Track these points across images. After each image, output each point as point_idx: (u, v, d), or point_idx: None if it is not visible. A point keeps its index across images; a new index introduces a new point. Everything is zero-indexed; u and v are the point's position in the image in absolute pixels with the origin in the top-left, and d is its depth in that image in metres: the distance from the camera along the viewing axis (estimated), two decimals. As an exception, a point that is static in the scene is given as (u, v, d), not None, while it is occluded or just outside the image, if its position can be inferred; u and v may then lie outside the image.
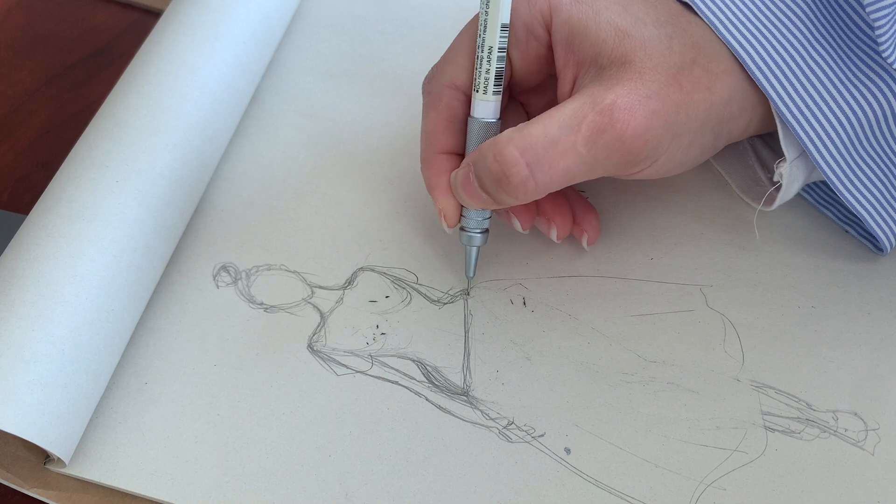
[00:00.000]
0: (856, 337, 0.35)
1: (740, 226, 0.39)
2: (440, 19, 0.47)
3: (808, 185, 0.38)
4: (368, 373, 0.34)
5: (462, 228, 0.35)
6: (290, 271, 0.37)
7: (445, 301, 0.36)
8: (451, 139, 0.34)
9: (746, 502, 0.31)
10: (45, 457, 0.32)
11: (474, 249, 0.36)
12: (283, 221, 0.39)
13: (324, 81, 0.44)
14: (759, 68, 0.31)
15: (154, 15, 0.49)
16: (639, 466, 0.32)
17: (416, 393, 0.34)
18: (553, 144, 0.29)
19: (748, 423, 0.33)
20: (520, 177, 0.30)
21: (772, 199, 0.35)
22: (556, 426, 0.33)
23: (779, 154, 0.34)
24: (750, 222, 0.38)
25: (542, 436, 0.33)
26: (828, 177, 0.33)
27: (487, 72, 0.33)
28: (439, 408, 0.34)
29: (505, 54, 0.33)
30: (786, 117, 0.31)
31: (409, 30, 0.46)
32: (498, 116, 0.34)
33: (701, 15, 0.32)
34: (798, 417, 0.33)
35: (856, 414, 0.33)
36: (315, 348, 0.35)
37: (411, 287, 0.37)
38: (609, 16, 0.31)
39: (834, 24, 0.32)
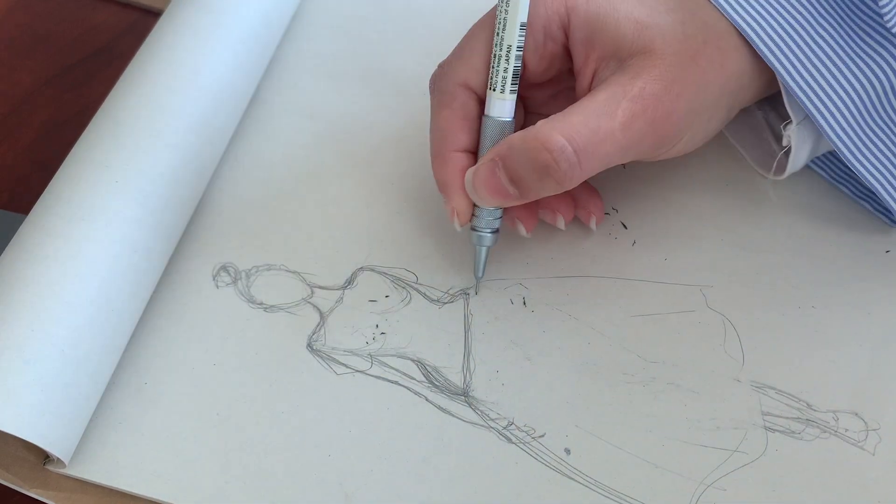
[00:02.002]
0: (856, 337, 0.35)
1: (741, 226, 0.39)
2: (440, 19, 0.47)
3: (822, 162, 0.39)
4: (368, 372, 0.34)
5: (473, 228, 0.35)
6: (290, 271, 0.37)
7: (445, 301, 0.36)
8: (466, 137, 0.34)
9: (747, 503, 0.31)
10: (44, 457, 0.32)
11: (484, 249, 0.35)
12: (283, 221, 0.39)
13: (324, 81, 0.44)
14: (767, 45, 0.32)
15: (154, 15, 0.49)
16: (639, 467, 0.32)
17: (416, 393, 0.34)
18: (594, 132, 0.31)
19: (748, 423, 0.33)
20: (568, 163, 0.31)
21: (782, 168, 0.36)
22: (556, 427, 0.33)
23: None
24: (751, 222, 0.38)
25: (542, 436, 0.33)
26: (838, 148, 0.34)
27: (505, 70, 0.33)
28: (439, 408, 0.34)
29: (522, 53, 0.33)
30: (794, 91, 0.33)
31: (409, 30, 0.46)
32: (513, 115, 0.34)
33: None
34: (798, 418, 0.33)
35: (856, 414, 0.33)
36: (315, 348, 0.35)
37: (411, 287, 0.37)
38: (626, 9, 0.32)
39: None
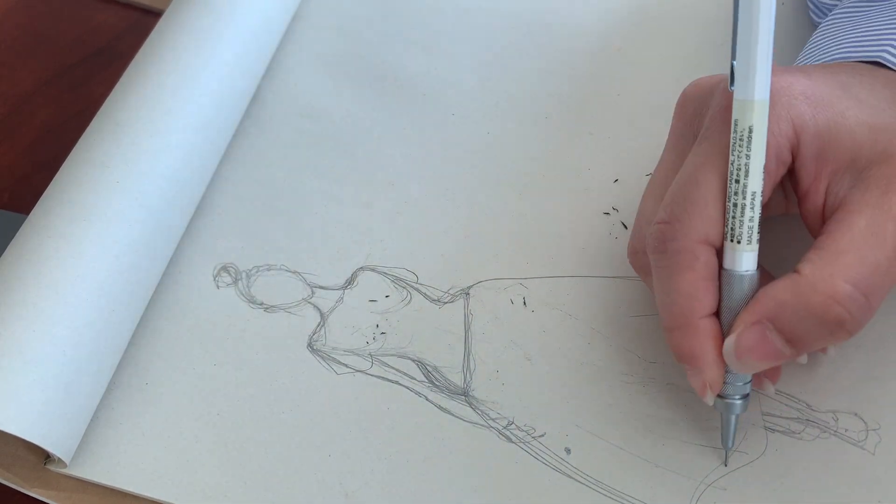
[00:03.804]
0: (855, 337, 0.35)
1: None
2: (440, 19, 0.47)
3: None
4: (368, 372, 0.35)
5: (721, 396, 0.31)
6: (290, 271, 0.37)
7: (445, 301, 0.37)
8: (713, 301, 0.30)
9: (747, 502, 0.31)
10: (45, 457, 0.32)
11: (734, 417, 0.32)
12: (283, 221, 0.39)
13: (324, 81, 0.44)
14: None
15: (154, 15, 0.49)
16: (639, 466, 0.32)
17: (416, 392, 0.34)
18: (875, 267, 0.28)
19: (748, 423, 0.33)
20: (861, 310, 0.28)
21: None
22: (556, 426, 0.33)
23: None
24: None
25: (543, 436, 0.33)
26: None
27: (751, 220, 0.29)
28: (439, 407, 0.34)
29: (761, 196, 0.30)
30: None
31: (410, 30, 0.46)
32: (757, 266, 0.30)
33: None
34: (798, 418, 0.33)
35: (856, 414, 0.33)
36: (315, 347, 0.35)
37: (411, 287, 0.37)
38: (855, 115, 0.30)
39: None
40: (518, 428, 0.33)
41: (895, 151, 0.29)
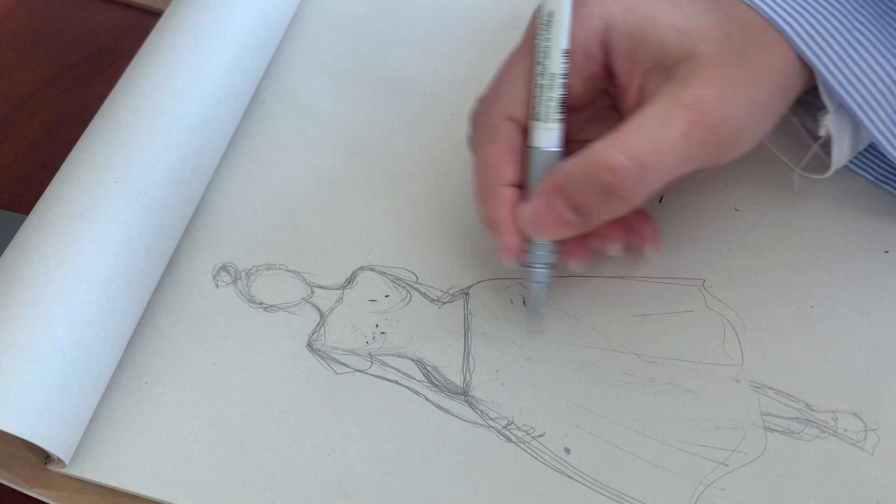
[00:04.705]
0: (855, 337, 0.35)
1: (740, 226, 0.39)
2: (440, 19, 0.47)
3: (864, 162, 0.39)
4: (368, 372, 0.35)
5: (525, 265, 0.33)
6: (290, 271, 0.37)
7: (445, 300, 0.37)
8: (513, 171, 0.33)
9: (746, 503, 0.31)
10: (45, 457, 0.32)
11: (540, 286, 0.34)
12: (283, 221, 0.39)
13: (324, 81, 0.44)
14: (804, 41, 0.32)
15: (154, 15, 0.49)
16: (638, 466, 0.32)
17: (416, 392, 0.34)
18: (654, 144, 0.30)
19: (747, 423, 0.33)
20: (633, 180, 0.30)
21: (826, 165, 0.36)
22: (555, 426, 0.33)
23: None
24: (750, 222, 0.38)
25: (542, 436, 0.33)
26: (879, 142, 0.33)
27: (550, 99, 0.32)
28: (439, 407, 0.34)
29: (566, 80, 0.32)
30: (833, 86, 0.32)
31: (409, 30, 0.46)
32: (562, 145, 0.33)
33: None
34: (797, 418, 0.33)
35: (855, 414, 0.33)
36: (314, 347, 0.35)
37: (411, 286, 0.37)
38: (663, 17, 0.32)
39: None
40: (517, 428, 0.33)
41: (699, 51, 0.31)
